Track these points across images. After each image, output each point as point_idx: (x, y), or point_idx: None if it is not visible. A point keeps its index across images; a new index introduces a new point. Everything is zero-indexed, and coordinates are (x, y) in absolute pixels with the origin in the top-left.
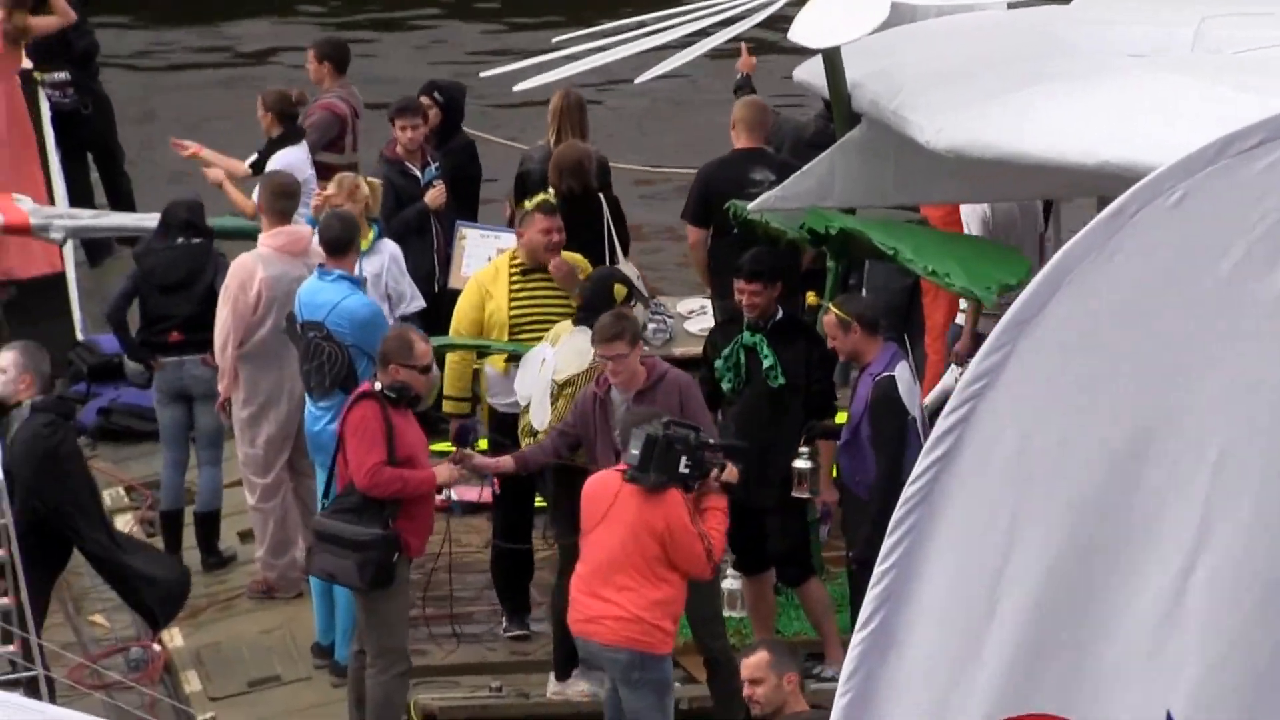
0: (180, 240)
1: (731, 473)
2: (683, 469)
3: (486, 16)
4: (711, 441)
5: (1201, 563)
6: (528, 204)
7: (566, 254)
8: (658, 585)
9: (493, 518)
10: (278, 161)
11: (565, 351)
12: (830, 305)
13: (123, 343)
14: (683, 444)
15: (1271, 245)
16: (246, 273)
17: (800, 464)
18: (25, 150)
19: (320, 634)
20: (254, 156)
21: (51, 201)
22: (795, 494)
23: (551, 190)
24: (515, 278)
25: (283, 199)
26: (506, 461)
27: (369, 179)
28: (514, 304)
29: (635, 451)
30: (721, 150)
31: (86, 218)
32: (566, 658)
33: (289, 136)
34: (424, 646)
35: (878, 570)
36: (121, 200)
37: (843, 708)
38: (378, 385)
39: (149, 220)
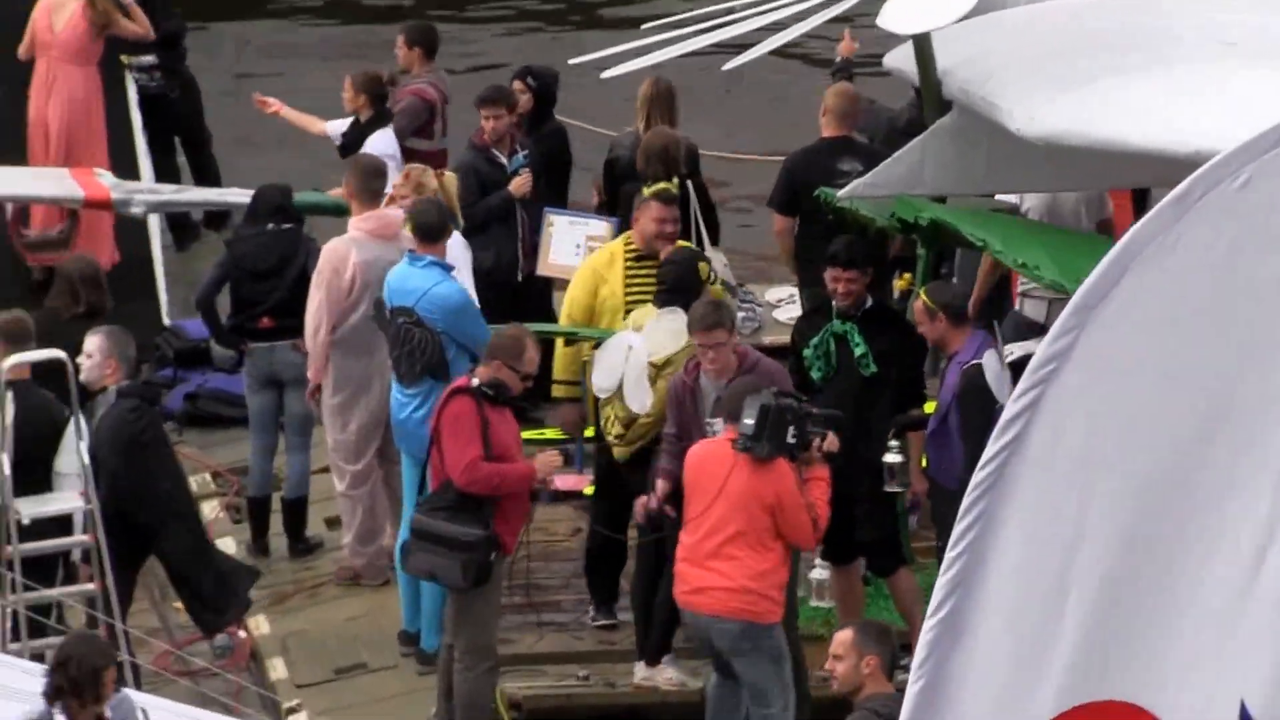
0: (271, 226)
1: (832, 442)
2: (789, 439)
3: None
4: (814, 411)
5: (1275, 548)
6: (645, 191)
7: (679, 242)
8: (764, 555)
9: (593, 506)
10: (375, 142)
11: (658, 334)
12: (919, 292)
13: (211, 329)
14: (791, 414)
15: None
16: (340, 257)
17: (891, 458)
18: (94, 141)
19: (407, 621)
20: (339, 137)
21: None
22: (887, 488)
23: (653, 179)
24: (629, 264)
25: (374, 179)
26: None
27: (443, 172)
28: (628, 289)
29: (750, 421)
30: (810, 138)
31: (168, 192)
32: (656, 645)
33: (379, 119)
34: (510, 635)
35: (948, 556)
36: (209, 183)
37: (915, 694)
38: (474, 381)
39: (231, 195)
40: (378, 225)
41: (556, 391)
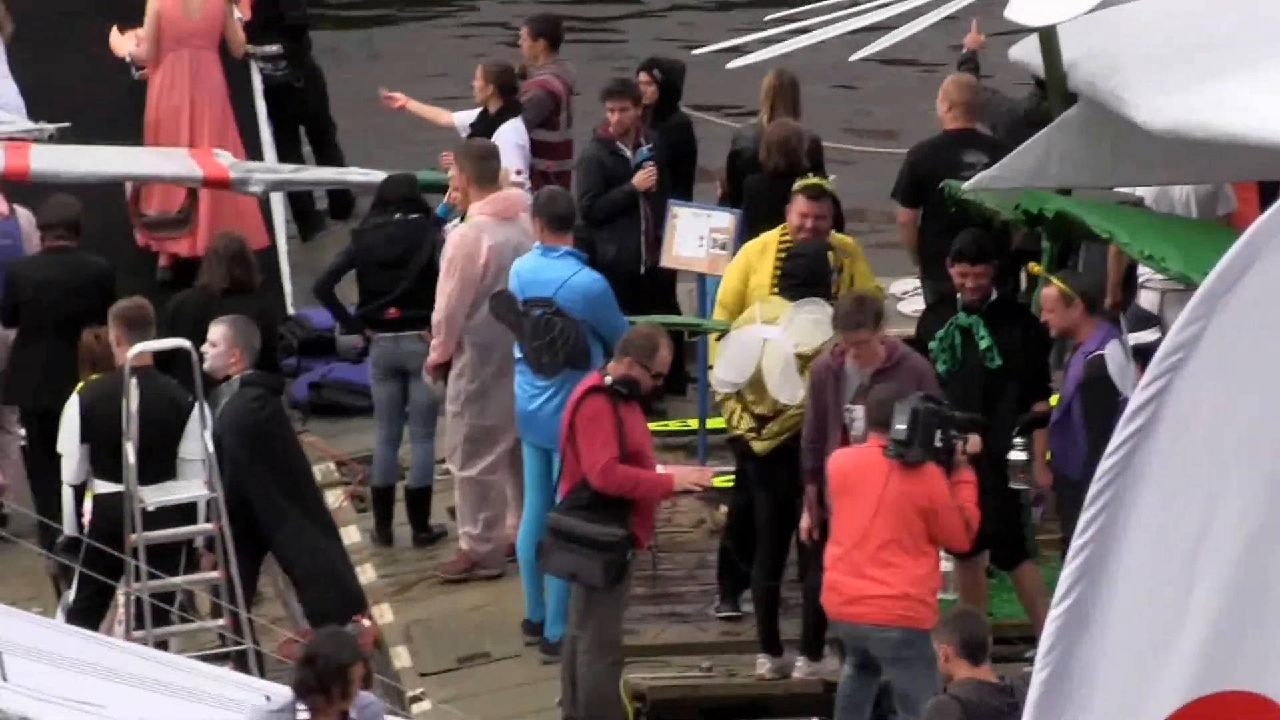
0: (398, 216)
1: (975, 444)
2: (937, 442)
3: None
4: (957, 415)
5: None
6: (799, 184)
7: (838, 236)
8: (920, 560)
9: (733, 499)
10: (503, 134)
11: (802, 325)
12: (1054, 278)
13: (333, 313)
14: (938, 418)
15: None
16: (472, 243)
17: (1015, 455)
18: (233, 128)
19: (530, 611)
20: (466, 128)
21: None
22: (1013, 485)
23: (774, 171)
24: (781, 255)
25: (488, 162)
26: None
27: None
28: (775, 280)
29: (901, 426)
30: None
31: (286, 172)
32: (817, 637)
33: (508, 110)
34: (635, 626)
35: (1074, 545)
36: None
37: (1041, 683)
38: (607, 379)
39: (350, 175)
40: (502, 206)
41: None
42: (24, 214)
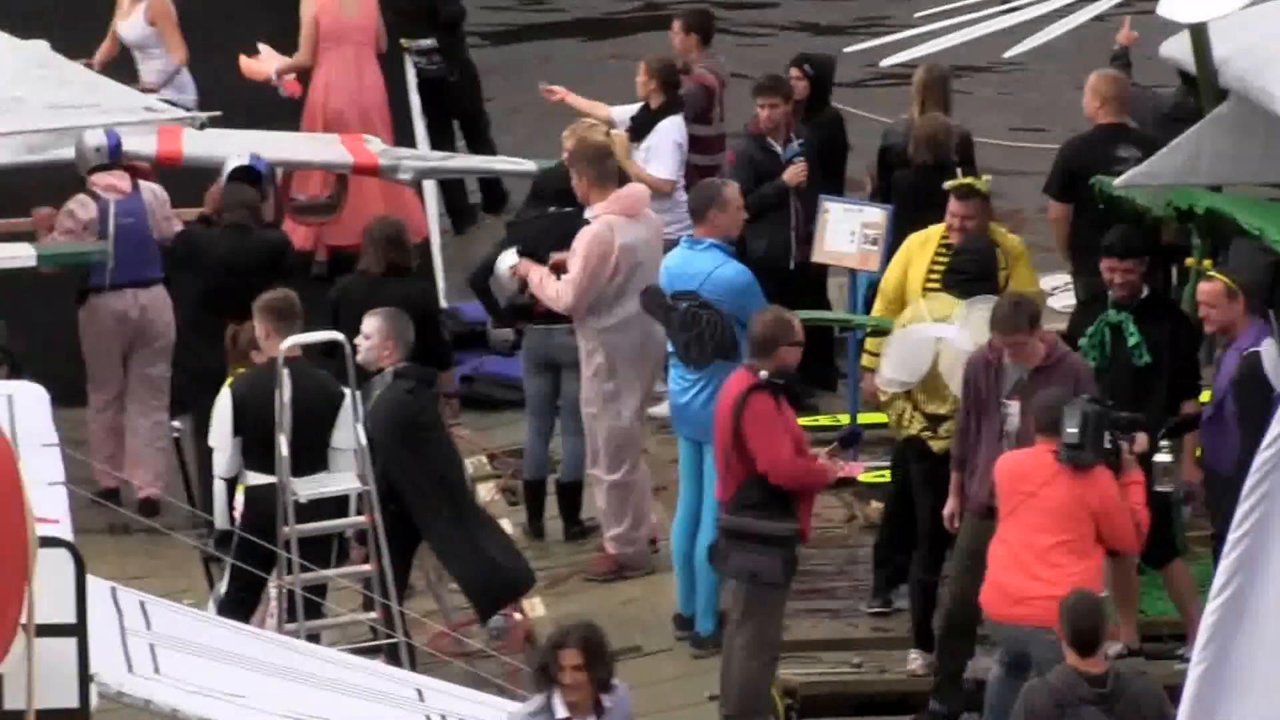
0: (553, 209)
1: (1141, 443)
2: (1107, 444)
3: None
4: (1123, 416)
5: None
6: (949, 184)
7: (1004, 236)
8: (1086, 563)
9: (888, 494)
10: (660, 131)
11: (979, 323)
12: (1217, 273)
13: (486, 307)
14: (1107, 420)
15: None
16: (605, 242)
17: (1161, 457)
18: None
19: (682, 605)
20: (627, 121)
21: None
22: (1158, 487)
23: (921, 165)
24: (940, 250)
25: (606, 161)
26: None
27: (614, 131)
28: (930, 275)
29: (1073, 429)
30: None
31: (435, 159)
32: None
33: (670, 106)
34: (785, 622)
35: (1230, 538)
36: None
37: (1197, 677)
38: (763, 374)
39: (498, 164)
40: (627, 204)
41: (867, 362)
42: (148, 191)
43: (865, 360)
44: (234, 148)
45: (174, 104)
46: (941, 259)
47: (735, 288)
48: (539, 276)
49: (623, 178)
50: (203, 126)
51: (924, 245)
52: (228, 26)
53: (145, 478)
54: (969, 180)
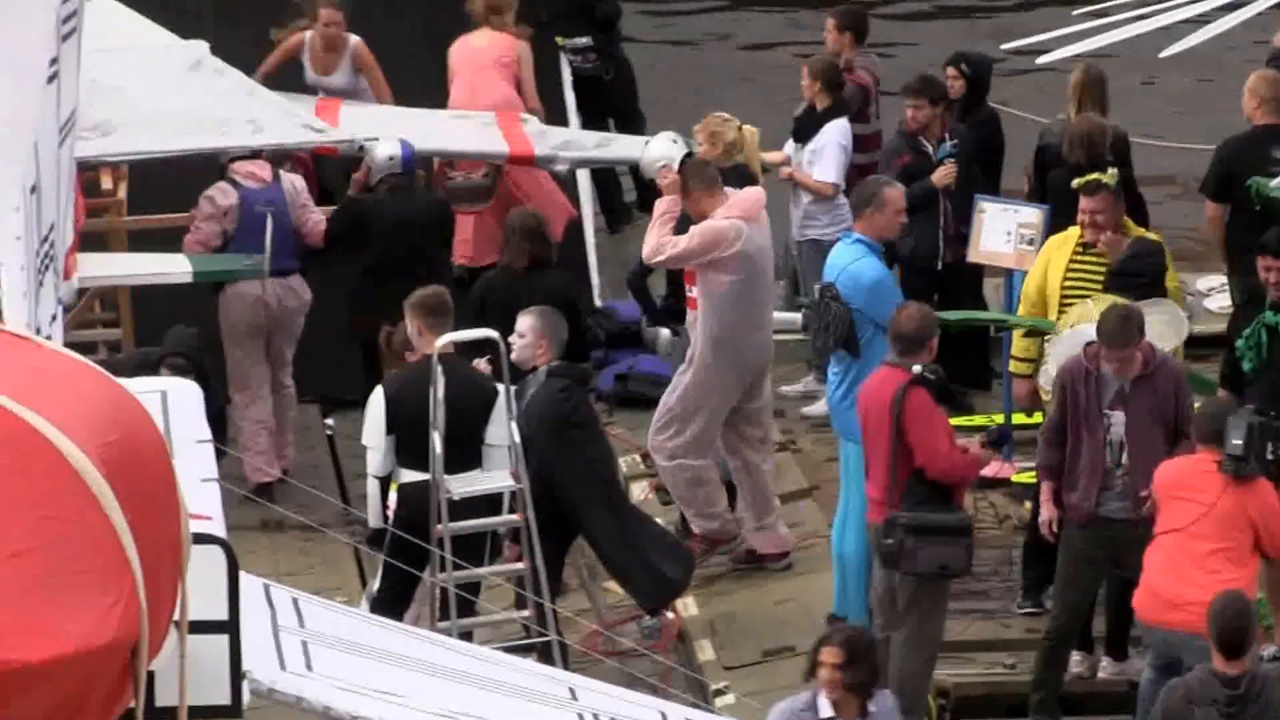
0: None
1: None
2: (1269, 455)
3: None
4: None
5: None
6: (1076, 182)
7: (1132, 227)
8: (1242, 570)
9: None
10: (825, 134)
11: (1156, 328)
12: None
13: (643, 307)
14: (1271, 431)
15: None
16: (723, 240)
17: None
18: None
19: (837, 604)
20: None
21: (570, 176)
22: None
23: (1076, 166)
24: (1077, 250)
25: (706, 169)
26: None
27: (745, 126)
28: (1068, 276)
29: (1238, 441)
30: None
31: (591, 147)
32: (1123, 636)
33: (835, 108)
34: None
35: None
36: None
37: None
38: (915, 369)
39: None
40: (745, 209)
41: (1015, 368)
42: (288, 181)
43: (1014, 366)
44: (392, 129)
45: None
46: (1079, 260)
47: (863, 284)
48: (663, 209)
49: (750, 174)
50: (360, 150)
51: (1061, 247)
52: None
53: (261, 463)
54: (1094, 176)
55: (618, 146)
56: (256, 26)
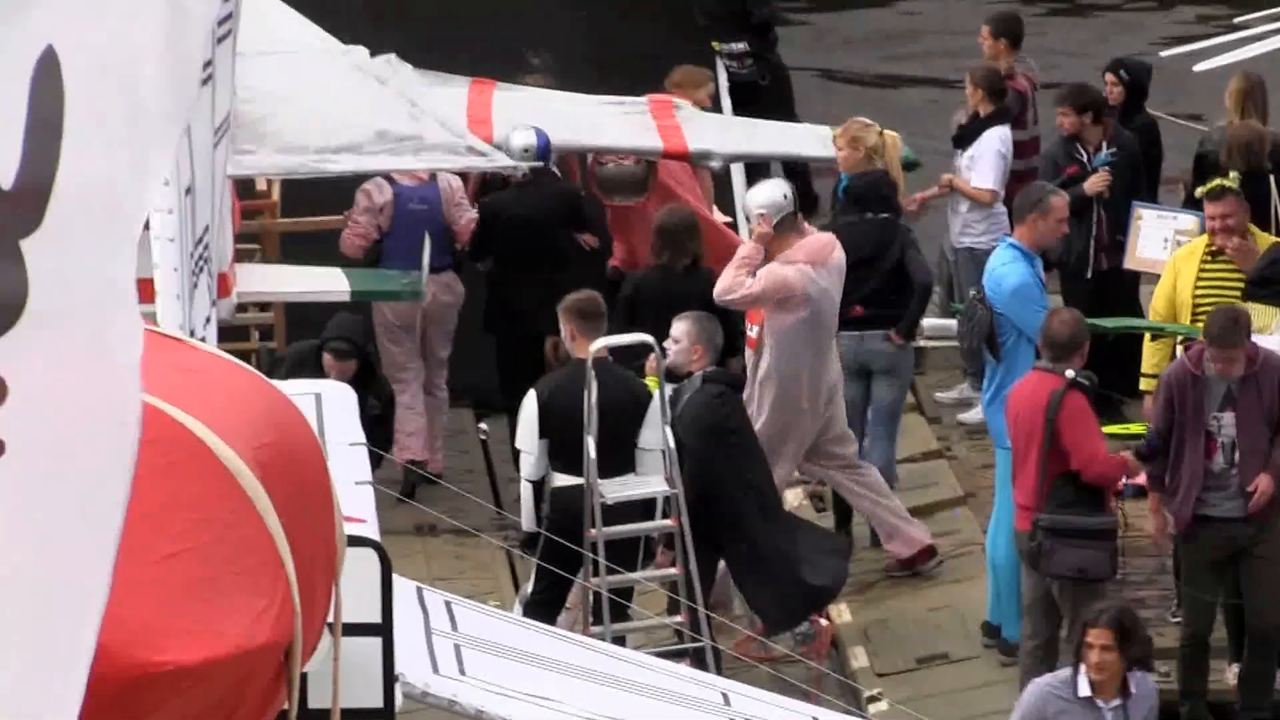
0: (869, 215)
1: None
2: None
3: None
4: None
5: None
6: (1199, 191)
7: (1259, 234)
8: None
9: None
10: (986, 139)
11: None
12: None
13: None
14: None
15: None
16: (786, 288)
17: None
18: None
19: (991, 612)
20: (954, 127)
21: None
22: None
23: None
24: (1205, 259)
25: (800, 222)
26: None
27: (887, 132)
28: (1198, 285)
29: None
30: None
31: (741, 139)
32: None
33: (998, 115)
34: None
35: None
36: (799, 174)
37: None
38: (1069, 374)
39: (806, 149)
40: (811, 253)
41: (1145, 385)
42: (444, 179)
43: (1144, 384)
44: (543, 117)
45: None
46: (1209, 268)
47: (1003, 288)
48: (746, 253)
49: (891, 180)
50: (525, 176)
51: (1189, 258)
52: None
53: (415, 445)
54: (1218, 181)
55: (769, 140)
56: (408, 30)
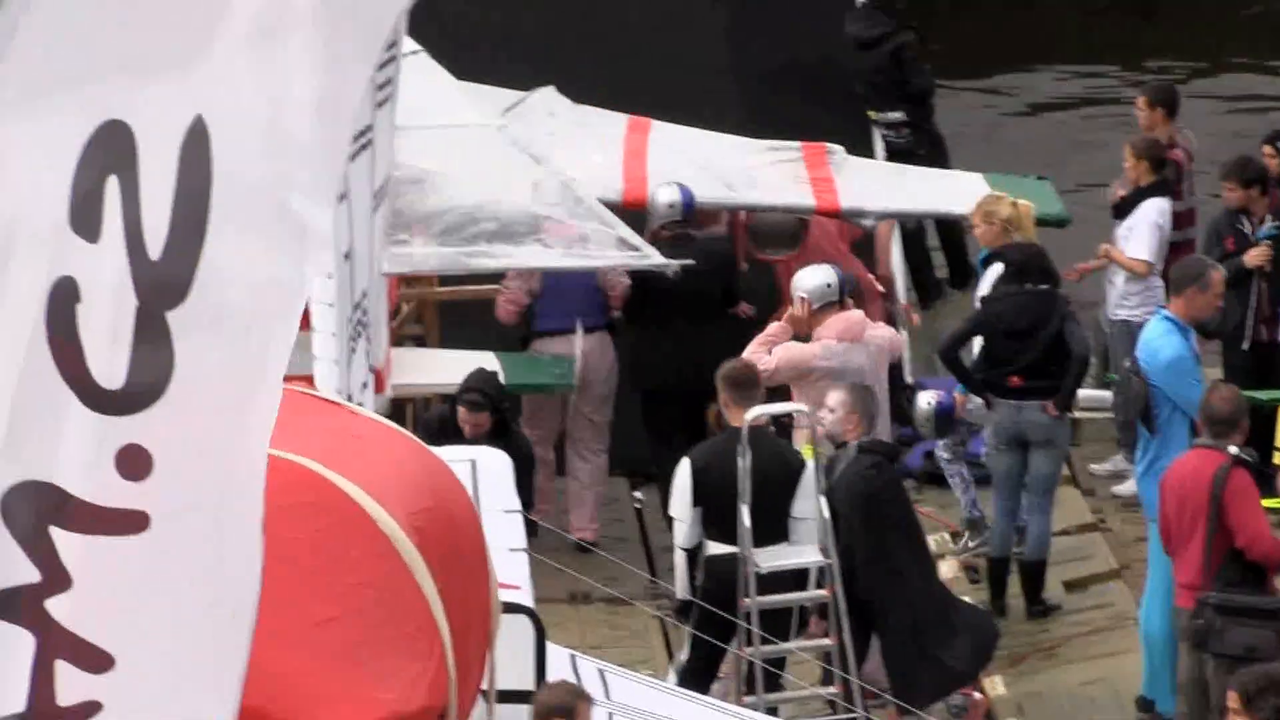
0: (1029, 285)
1: None
2: None
3: None
4: None
5: None
6: None
7: None
8: None
9: None
10: (1144, 210)
11: None
12: None
13: (957, 377)
14: None
15: None
16: (799, 362)
17: None
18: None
19: (1146, 687)
20: (1114, 195)
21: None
22: None
23: None
24: None
25: (825, 291)
26: None
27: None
28: None
29: None
30: None
31: (896, 195)
32: None
33: (1157, 186)
34: None
35: None
36: (955, 244)
37: None
38: (1231, 450)
39: (958, 207)
40: (840, 330)
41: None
42: None
43: (1277, 458)
44: (701, 163)
45: None
46: None
47: (1158, 361)
48: (773, 331)
49: (1038, 250)
50: (674, 274)
51: None
52: None
53: (581, 520)
54: None
55: (924, 197)
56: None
